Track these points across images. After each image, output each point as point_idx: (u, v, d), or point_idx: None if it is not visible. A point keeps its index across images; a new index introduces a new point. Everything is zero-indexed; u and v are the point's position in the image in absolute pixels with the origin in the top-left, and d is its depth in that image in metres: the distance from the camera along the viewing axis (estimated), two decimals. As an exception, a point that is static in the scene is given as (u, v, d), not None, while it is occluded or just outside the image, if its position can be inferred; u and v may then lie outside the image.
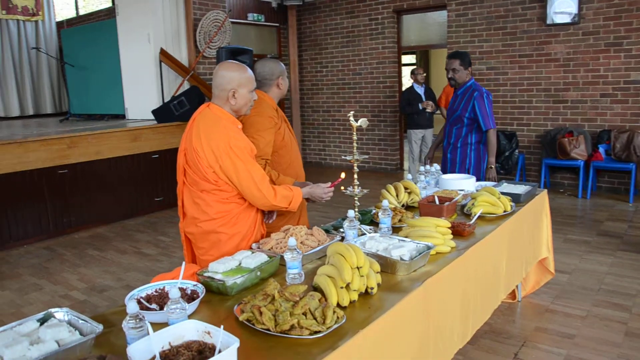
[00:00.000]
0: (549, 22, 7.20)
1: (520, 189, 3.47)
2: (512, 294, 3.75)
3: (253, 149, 2.49)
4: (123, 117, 8.86)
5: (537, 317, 3.53)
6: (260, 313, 1.68)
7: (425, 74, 7.89)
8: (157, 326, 1.73)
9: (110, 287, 4.37)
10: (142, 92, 8.28)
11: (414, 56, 14.46)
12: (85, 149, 6.04)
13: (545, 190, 3.64)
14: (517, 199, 3.25)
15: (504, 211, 3.01)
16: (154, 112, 7.22)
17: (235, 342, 1.38)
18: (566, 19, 7.07)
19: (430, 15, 8.84)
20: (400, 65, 9.37)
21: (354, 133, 2.72)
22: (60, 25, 11.58)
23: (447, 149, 4.44)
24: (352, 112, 2.73)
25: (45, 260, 5.15)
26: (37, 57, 11.22)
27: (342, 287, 1.86)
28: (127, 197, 6.57)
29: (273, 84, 2.94)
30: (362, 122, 2.72)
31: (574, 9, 6.99)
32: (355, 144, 2.73)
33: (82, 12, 11.87)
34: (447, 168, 4.41)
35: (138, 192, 6.66)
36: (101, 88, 9.55)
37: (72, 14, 12.01)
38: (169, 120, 7.04)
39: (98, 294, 4.26)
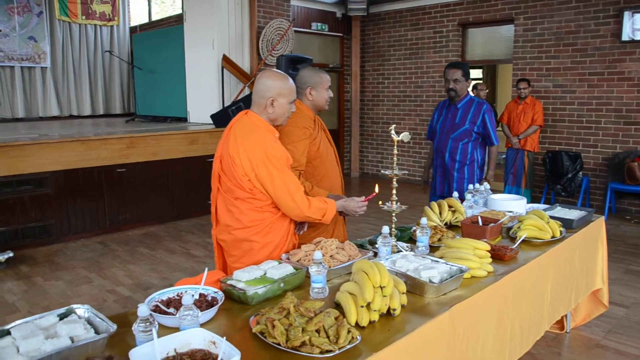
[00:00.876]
0: (624, 38, 6.83)
1: (573, 214, 3.27)
2: (560, 324, 3.54)
3: (289, 158, 2.46)
4: (185, 120, 9.11)
5: (585, 352, 3.31)
6: (273, 326, 1.64)
7: (487, 90, 7.64)
8: (171, 330, 1.73)
9: (154, 286, 4.47)
10: (203, 96, 8.49)
11: (481, 71, 14.10)
12: (143, 150, 6.25)
13: (602, 217, 3.42)
14: (568, 225, 3.06)
15: (552, 237, 2.84)
16: (213, 116, 7.38)
17: (236, 355, 1.35)
18: (645, 36, 6.69)
19: (496, 29, 8.60)
20: (463, 79, 9.15)
21: (395, 147, 2.65)
22: (133, 30, 12.10)
23: (452, 168, 4.07)
24: (393, 126, 2.66)
25: (98, 254, 5.34)
26: (110, 60, 11.77)
27: (362, 306, 1.80)
28: (181, 198, 6.73)
29: (303, 92, 2.91)
30: (404, 136, 2.65)
31: (652, 25, 6.60)
32: (395, 159, 2.66)
33: (155, 17, 12.35)
34: (454, 188, 4.03)
35: (192, 194, 6.81)
36: (166, 91, 9.87)
37: (145, 19, 12.52)
38: (226, 125, 7.15)
39: (142, 291, 4.36)
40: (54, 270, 4.87)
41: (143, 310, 1.53)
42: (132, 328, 1.55)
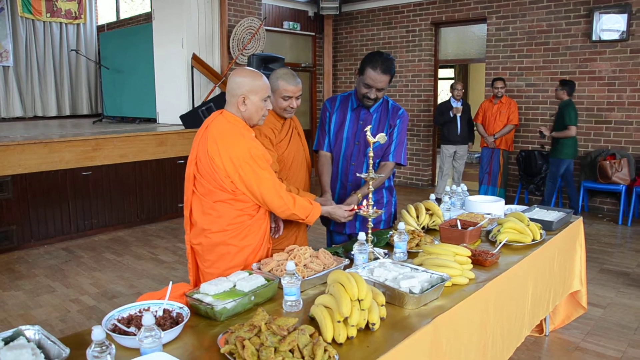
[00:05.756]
0: (594, 38, 6.87)
1: (552, 215, 3.21)
2: (539, 327, 3.48)
3: (269, 157, 2.39)
4: (154, 121, 8.87)
5: (565, 355, 3.25)
6: (243, 347, 1.51)
7: (463, 90, 7.59)
8: (131, 352, 1.59)
9: (120, 294, 4.28)
10: (173, 96, 8.28)
11: (453, 70, 14.15)
12: (110, 152, 6.02)
13: (581, 218, 3.37)
14: (548, 227, 3.00)
15: (533, 240, 2.76)
16: (182, 117, 7.18)
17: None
18: (613, 36, 6.73)
19: (469, 28, 8.59)
20: (436, 79, 9.12)
21: (371, 149, 2.54)
22: (101, 28, 11.77)
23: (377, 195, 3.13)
24: (369, 127, 2.55)
25: (62, 262, 5.11)
26: (76, 59, 11.44)
27: (339, 321, 1.68)
28: (150, 201, 6.51)
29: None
30: (380, 137, 2.54)
31: (622, 25, 6.65)
32: (371, 161, 2.54)
33: (123, 16, 12.03)
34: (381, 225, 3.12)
35: (161, 197, 6.60)
36: (135, 91, 9.62)
37: (113, 17, 12.19)
38: (197, 126, 6.95)
39: (108, 300, 4.16)
40: (13, 280, 4.63)
41: (97, 333, 1.38)
42: (86, 353, 1.40)
